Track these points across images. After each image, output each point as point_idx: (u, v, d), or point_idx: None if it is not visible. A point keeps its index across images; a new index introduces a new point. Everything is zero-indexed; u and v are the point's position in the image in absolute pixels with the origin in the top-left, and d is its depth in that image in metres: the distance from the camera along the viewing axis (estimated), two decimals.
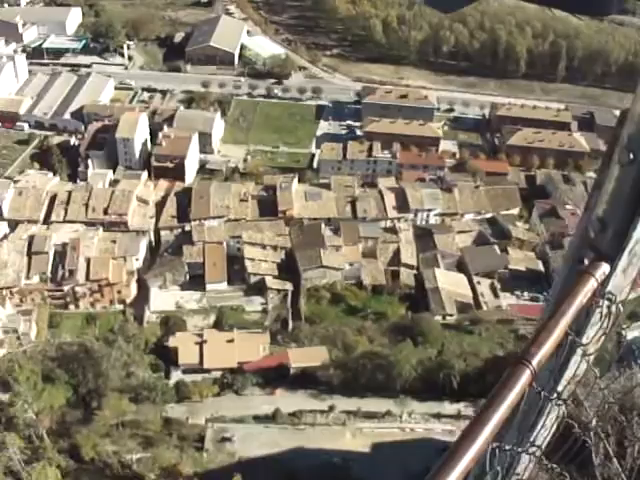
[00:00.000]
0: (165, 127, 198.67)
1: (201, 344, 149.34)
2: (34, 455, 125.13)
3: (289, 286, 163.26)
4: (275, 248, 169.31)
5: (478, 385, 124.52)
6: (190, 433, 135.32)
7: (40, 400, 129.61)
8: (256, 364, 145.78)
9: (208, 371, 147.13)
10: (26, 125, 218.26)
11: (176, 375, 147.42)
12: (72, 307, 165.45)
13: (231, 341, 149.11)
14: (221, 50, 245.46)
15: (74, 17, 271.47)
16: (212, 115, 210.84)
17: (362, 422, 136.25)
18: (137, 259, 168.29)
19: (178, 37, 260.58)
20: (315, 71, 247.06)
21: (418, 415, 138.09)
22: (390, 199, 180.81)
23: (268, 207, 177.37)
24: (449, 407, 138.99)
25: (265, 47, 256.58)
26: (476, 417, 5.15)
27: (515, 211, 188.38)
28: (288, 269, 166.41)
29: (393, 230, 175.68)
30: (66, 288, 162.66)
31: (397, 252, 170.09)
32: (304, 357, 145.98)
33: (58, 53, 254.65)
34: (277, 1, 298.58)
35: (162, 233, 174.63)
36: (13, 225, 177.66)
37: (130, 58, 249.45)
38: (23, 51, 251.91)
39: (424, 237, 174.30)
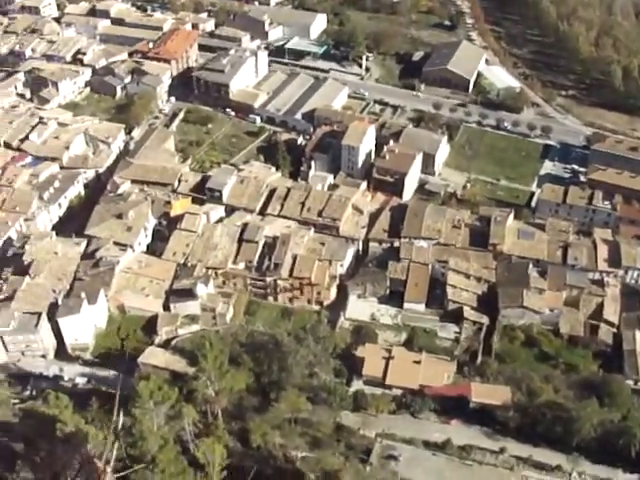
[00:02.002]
0: (391, 142, 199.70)
1: (388, 359, 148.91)
2: (205, 430, 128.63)
3: (485, 320, 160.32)
4: (479, 279, 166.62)
5: None
6: (358, 444, 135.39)
7: (222, 380, 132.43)
8: (438, 390, 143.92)
9: (389, 387, 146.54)
10: (258, 118, 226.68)
11: (357, 384, 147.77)
12: (270, 299, 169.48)
13: (418, 362, 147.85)
14: (457, 75, 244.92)
15: (319, 23, 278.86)
16: (439, 137, 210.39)
17: (530, 471, 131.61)
18: (342, 265, 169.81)
19: (417, 56, 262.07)
20: (547, 109, 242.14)
21: (588, 477, 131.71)
22: (603, 251, 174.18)
23: (479, 238, 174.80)
24: (622, 476, 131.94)
25: (501, 78, 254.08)
26: None
27: None
28: (487, 303, 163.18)
29: (600, 283, 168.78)
30: (269, 279, 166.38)
31: (600, 306, 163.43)
32: (486, 393, 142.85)
33: (299, 55, 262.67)
34: (519, 34, 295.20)
35: (371, 244, 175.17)
36: (229, 211, 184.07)
37: (367, 69, 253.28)
38: (266, 48, 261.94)
39: (631, 296, 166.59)
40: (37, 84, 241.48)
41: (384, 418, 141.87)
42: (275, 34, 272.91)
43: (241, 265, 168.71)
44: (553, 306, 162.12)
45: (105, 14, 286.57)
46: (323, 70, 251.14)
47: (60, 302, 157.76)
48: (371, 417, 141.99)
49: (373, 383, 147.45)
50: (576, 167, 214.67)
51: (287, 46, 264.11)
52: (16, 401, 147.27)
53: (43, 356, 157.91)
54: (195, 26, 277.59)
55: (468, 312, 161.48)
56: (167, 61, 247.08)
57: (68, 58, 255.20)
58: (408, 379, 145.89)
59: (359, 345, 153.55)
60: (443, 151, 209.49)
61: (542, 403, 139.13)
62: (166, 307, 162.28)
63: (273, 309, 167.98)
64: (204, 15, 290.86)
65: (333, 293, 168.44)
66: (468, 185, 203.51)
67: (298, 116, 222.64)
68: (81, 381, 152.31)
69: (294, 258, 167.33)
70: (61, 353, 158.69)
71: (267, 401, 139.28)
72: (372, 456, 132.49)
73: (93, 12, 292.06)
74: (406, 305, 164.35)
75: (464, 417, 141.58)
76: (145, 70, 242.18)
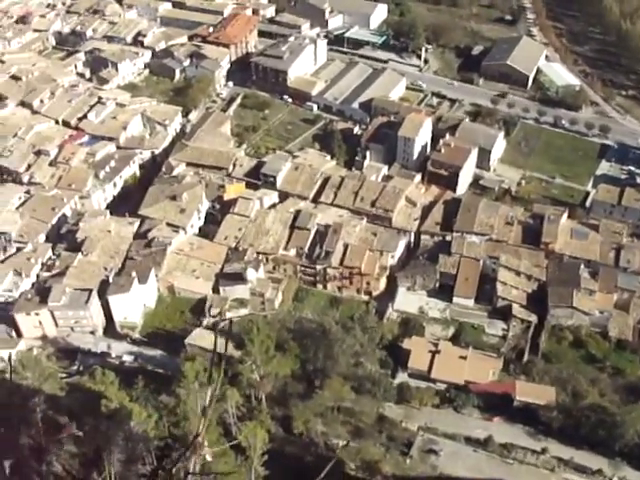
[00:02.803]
0: (447, 135, 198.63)
1: (434, 353, 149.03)
2: (249, 414, 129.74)
3: (534, 318, 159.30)
4: (529, 277, 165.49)
5: None
6: (400, 436, 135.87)
7: (268, 365, 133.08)
8: (482, 387, 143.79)
9: (434, 381, 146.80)
10: (315, 106, 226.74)
11: (401, 377, 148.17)
12: (320, 286, 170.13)
13: (464, 358, 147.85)
14: (516, 70, 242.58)
15: (379, 13, 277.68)
16: (495, 133, 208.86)
17: (571, 473, 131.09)
18: (392, 256, 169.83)
19: (476, 50, 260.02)
20: (606, 109, 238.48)
21: None
22: None
23: (531, 235, 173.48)
24: None
25: (561, 75, 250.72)
26: None
27: None
28: (537, 301, 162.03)
29: None
30: (319, 267, 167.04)
31: None
32: (531, 392, 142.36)
33: (358, 44, 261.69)
34: (581, 31, 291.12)
35: (422, 237, 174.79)
36: (283, 197, 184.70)
37: (426, 61, 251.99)
38: (325, 37, 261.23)
39: None
40: (97, 64, 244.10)
41: (427, 412, 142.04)
42: (335, 22, 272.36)
43: (292, 252, 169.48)
44: (603, 308, 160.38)
45: None
46: (382, 60, 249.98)
47: (111, 280, 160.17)
48: (414, 410, 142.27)
49: (418, 376, 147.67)
50: (633, 168, 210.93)
51: (347, 35, 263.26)
52: (63, 375, 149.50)
53: (92, 332, 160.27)
54: (255, 12, 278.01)
55: (517, 310, 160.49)
56: (226, 46, 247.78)
57: (128, 40, 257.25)
58: (453, 374, 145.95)
59: (406, 337, 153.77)
60: (499, 147, 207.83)
61: (587, 405, 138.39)
62: (215, 290, 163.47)
63: (322, 297, 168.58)
64: (265, 1, 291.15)
65: (382, 284, 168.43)
66: (523, 182, 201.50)
67: (355, 105, 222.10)
68: (128, 359, 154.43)
69: (345, 247, 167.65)
70: (110, 330, 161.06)
71: (311, 388, 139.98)
72: (413, 449, 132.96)
73: None
74: (455, 299, 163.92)
75: (507, 415, 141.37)
76: (204, 54, 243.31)
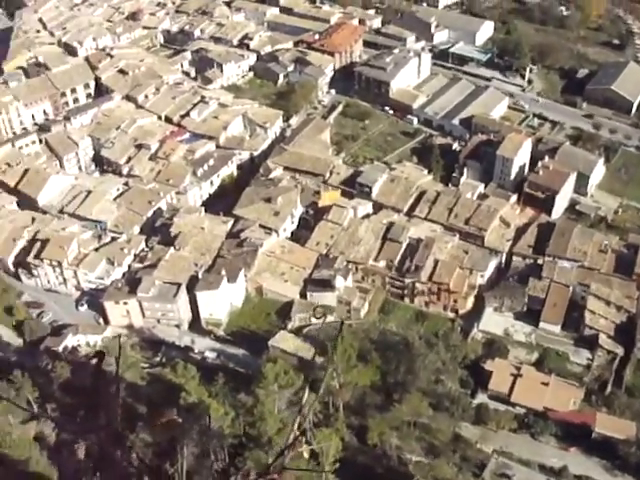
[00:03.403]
0: (546, 157, 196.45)
1: (516, 377, 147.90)
2: (325, 421, 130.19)
3: (620, 350, 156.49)
4: (619, 308, 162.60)
5: None
6: (474, 457, 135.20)
7: (348, 374, 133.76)
8: (562, 415, 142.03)
9: (513, 405, 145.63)
10: (415, 119, 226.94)
11: (481, 397, 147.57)
12: (407, 300, 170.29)
13: (545, 384, 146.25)
14: (621, 96, 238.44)
15: (485, 30, 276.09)
16: (595, 158, 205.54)
17: None
18: (482, 275, 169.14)
19: (581, 73, 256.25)
20: None
21: None
22: None
23: (624, 265, 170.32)
24: None
25: None
26: None
27: None
28: (624, 333, 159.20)
29: None
30: (407, 281, 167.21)
31: None
32: (611, 425, 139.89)
33: (462, 60, 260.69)
34: None
35: (514, 258, 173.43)
36: (377, 208, 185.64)
37: (530, 82, 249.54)
38: (430, 50, 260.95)
39: None
40: (202, 64, 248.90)
41: (503, 435, 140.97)
42: (441, 37, 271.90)
43: (382, 263, 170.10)
44: None
45: (275, 2, 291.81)
46: (485, 78, 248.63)
47: (200, 276, 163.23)
48: (490, 432, 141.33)
49: (497, 398, 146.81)
50: None
51: (451, 50, 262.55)
52: (145, 365, 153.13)
53: (177, 326, 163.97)
54: (362, 22, 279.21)
55: (604, 340, 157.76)
56: (331, 54, 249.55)
57: (235, 42, 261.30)
58: (533, 399, 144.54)
59: (489, 359, 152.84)
60: (598, 173, 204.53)
61: None
62: (302, 295, 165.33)
63: (408, 311, 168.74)
64: (372, 12, 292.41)
65: (470, 303, 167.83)
66: (620, 210, 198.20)
67: (455, 121, 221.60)
68: (210, 355, 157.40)
69: (435, 263, 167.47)
70: (195, 326, 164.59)
71: (389, 401, 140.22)
72: (485, 472, 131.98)
73: None
74: (541, 324, 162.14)
75: (584, 446, 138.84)
76: (308, 60, 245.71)
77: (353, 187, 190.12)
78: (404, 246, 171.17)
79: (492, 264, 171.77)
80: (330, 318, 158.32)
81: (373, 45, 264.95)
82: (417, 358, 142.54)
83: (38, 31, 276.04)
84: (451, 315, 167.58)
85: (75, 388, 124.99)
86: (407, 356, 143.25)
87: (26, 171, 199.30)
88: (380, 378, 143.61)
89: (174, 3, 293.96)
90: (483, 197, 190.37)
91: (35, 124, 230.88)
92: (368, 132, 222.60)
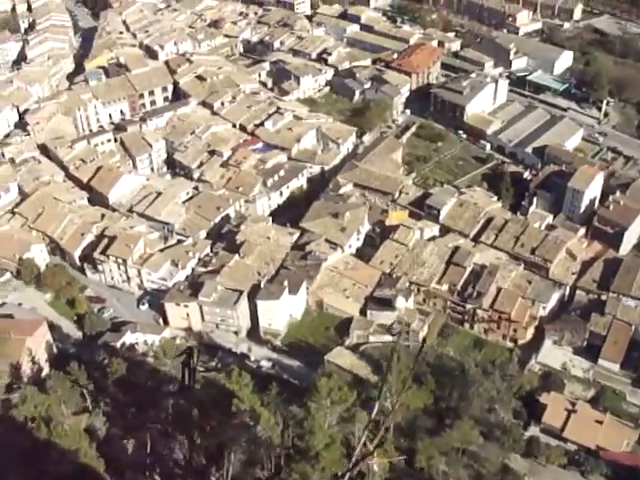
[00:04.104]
0: (618, 192, 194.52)
1: (570, 412, 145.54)
2: (373, 441, 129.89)
3: None
4: None
5: None
6: None
7: (402, 395, 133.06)
8: (614, 455, 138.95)
9: (565, 440, 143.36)
10: (488, 145, 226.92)
11: (533, 430, 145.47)
12: (466, 326, 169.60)
13: (600, 422, 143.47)
14: None
15: (564, 59, 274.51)
16: None
17: None
18: (544, 307, 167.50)
19: None
20: None
21: None
22: None
23: None
24: None
25: None
26: None
27: None
28: None
29: None
30: (469, 307, 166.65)
31: None
32: None
33: (538, 88, 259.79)
34: None
35: (577, 292, 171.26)
36: (444, 231, 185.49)
37: (606, 114, 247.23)
38: (508, 77, 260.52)
39: None
40: (280, 75, 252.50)
41: (552, 470, 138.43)
42: (519, 64, 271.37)
43: (444, 287, 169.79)
44: None
45: (355, 19, 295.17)
46: (561, 108, 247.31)
47: (262, 285, 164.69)
48: (540, 466, 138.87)
49: (550, 433, 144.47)
50: None
51: (529, 78, 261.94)
52: (201, 369, 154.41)
53: (235, 332, 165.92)
54: (441, 44, 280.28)
55: None
56: (408, 74, 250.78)
57: (313, 55, 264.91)
58: (586, 437, 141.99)
59: (544, 391, 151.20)
60: None
61: None
62: (362, 312, 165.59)
63: (466, 337, 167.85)
64: (451, 34, 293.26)
65: (530, 333, 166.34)
66: None
67: (528, 150, 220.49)
68: (266, 364, 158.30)
69: (498, 291, 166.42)
70: (253, 334, 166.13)
71: (440, 426, 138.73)
72: None
73: (344, 15, 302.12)
74: (600, 361, 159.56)
75: None
76: (385, 79, 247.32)
77: (421, 208, 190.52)
78: (468, 271, 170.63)
79: (555, 296, 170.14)
80: (388, 337, 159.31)
81: (451, 68, 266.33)
82: (472, 385, 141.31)
83: (121, 32, 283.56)
84: (510, 344, 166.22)
85: (129, 385, 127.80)
86: (462, 382, 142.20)
87: (99, 168, 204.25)
88: (433, 402, 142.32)
89: (256, 14, 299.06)
90: (551, 228, 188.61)
91: (111, 123, 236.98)
92: (440, 154, 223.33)
